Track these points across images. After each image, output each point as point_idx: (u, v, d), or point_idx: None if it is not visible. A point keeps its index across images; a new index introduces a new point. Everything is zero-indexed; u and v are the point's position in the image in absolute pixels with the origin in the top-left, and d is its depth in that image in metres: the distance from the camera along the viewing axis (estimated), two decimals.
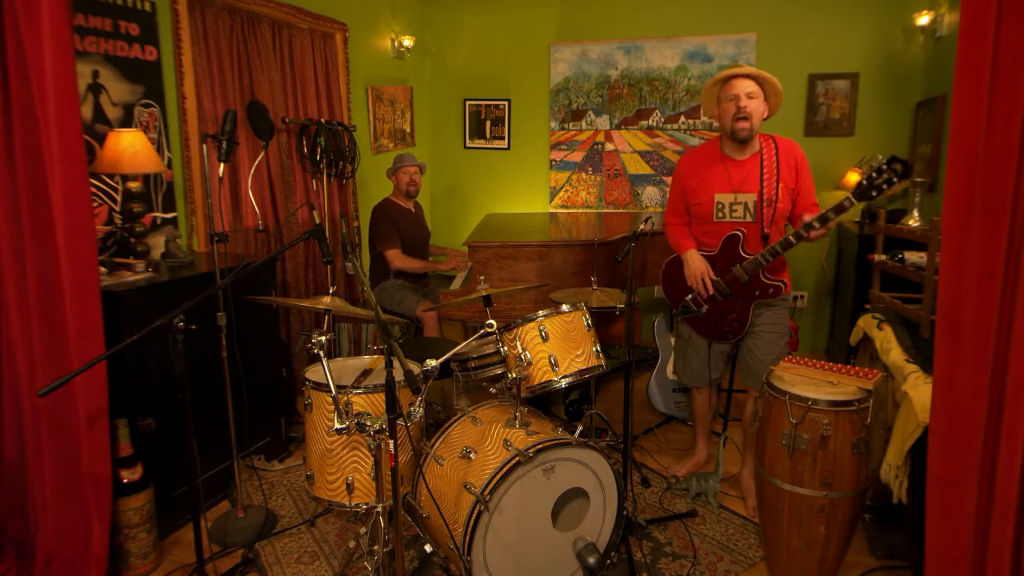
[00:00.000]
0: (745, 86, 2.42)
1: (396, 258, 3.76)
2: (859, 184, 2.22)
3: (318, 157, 3.76)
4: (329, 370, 1.98)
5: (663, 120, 4.81)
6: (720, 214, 2.55)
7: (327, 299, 2.19)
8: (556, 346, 2.26)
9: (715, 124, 4.72)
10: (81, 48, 2.56)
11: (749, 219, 2.50)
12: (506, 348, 2.26)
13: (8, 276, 2.06)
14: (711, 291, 2.57)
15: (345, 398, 2.04)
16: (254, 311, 2.90)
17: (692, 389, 2.96)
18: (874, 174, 2.18)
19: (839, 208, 2.25)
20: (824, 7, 4.37)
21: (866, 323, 2.82)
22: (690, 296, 2.65)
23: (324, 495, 2.12)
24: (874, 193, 2.20)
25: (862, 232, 3.74)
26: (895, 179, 2.16)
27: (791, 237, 2.35)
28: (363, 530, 2.23)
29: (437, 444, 2.24)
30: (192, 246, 3.10)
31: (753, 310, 2.56)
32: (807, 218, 2.35)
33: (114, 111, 2.71)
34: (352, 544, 2.33)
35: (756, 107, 2.42)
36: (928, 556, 1.64)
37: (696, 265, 2.58)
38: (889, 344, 2.48)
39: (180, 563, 2.41)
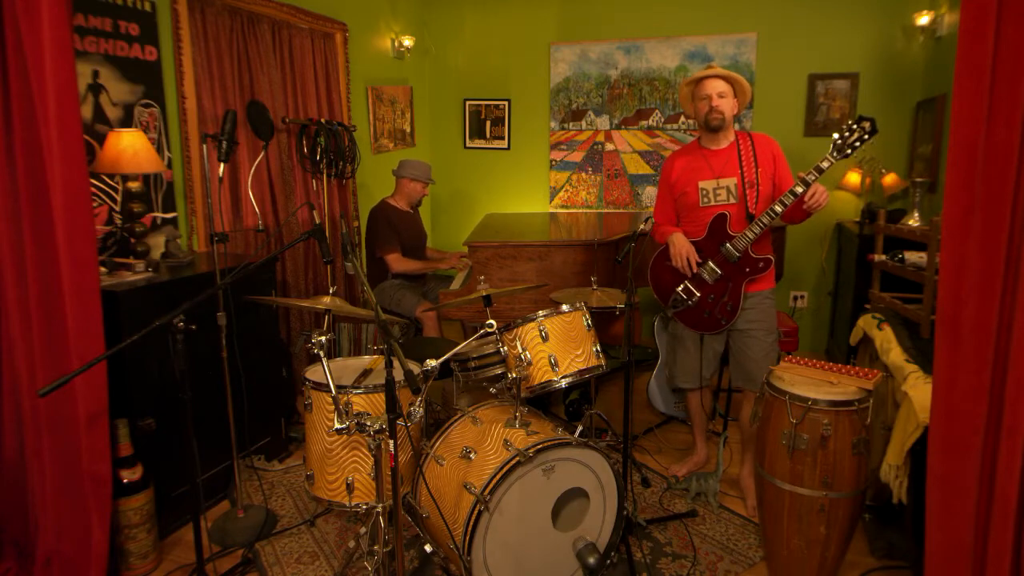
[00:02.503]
0: (716, 86, 2.58)
1: (396, 262, 3.75)
2: (833, 144, 2.38)
3: (318, 157, 3.76)
4: (329, 370, 1.98)
5: (663, 120, 4.82)
6: (705, 199, 2.65)
7: (327, 299, 2.19)
8: (556, 346, 2.26)
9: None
10: (81, 48, 2.56)
11: (733, 201, 2.61)
12: (506, 348, 2.26)
13: (8, 276, 2.06)
14: (695, 270, 2.64)
15: (345, 398, 2.04)
16: (254, 311, 2.90)
17: (686, 392, 2.95)
18: (847, 133, 2.37)
19: (818, 169, 2.36)
20: (824, 7, 4.37)
21: (866, 323, 2.82)
22: (680, 287, 2.69)
23: (324, 495, 2.12)
24: (848, 151, 2.37)
25: (862, 232, 3.74)
26: (866, 135, 2.35)
27: (777, 206, 2.43)
28: (363, 530, 2.23)
29: (437, 444, 2.24)
30: (192, 246, 3.10)
31: (744, 296, 2.61)
32: (796, 182, 2.44)
33: (114, 111, 2.71)
34: (352, 544, 2.32)
35: (726, 104, 2.58)
36: (928, 556, 1.64)
37: (680, 244, 2.65)
38: (889, 344, 2.48)
39: (180, 563, 2.42)
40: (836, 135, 2.37)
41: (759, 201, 2.56)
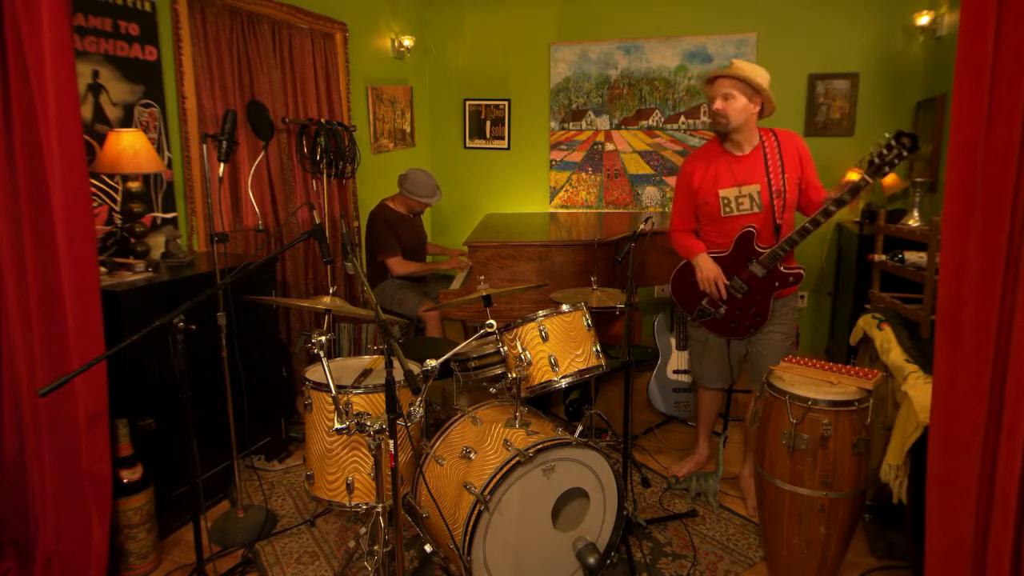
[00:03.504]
0: (720, 88, 2.46)
1: (397, 265, 3.75)
2: (870, 163, 2.21)
3: (318, 157, 3.76)
4: (329, 370, 1.98)
5: (663, 120, 4.82)
6: (727, 208, 2.55)
7: (327, 299, 2.19)
8: (556, 346, 2.26)
9: None
10: (81, 48, 2.56)
11: (756, 210, 2.51)
12: (506, 348, 2.26)
13: (8, 276, 2.06)
14: (724, 295, 2.57)
15: (345, 398, 2.04)
16: (254, 311, 2.90)
17: (701, 389, 2.94)
18: (884, 151, 2.19)
19: (855, 189, 2.24)
20: (824, 7, 4.37)
21: (866, 323, 2.82)
22: (706, 299, 2.64)
23: (324, 495, 2.12)
24: (887, 169, 2.20)
25: (862, 232, 3.74)
26: (905, 153, 2.16)
27: (808, 224, 2.34)
28: (363, 530, 2.23)
29: (437, 444, 2.24)
30: (192, 246, 3.10)
31: (772, 302, 2.56)
32: (825, 200, 2.33)
33: (114, 111, 2.71)
34: (352, 544, 2.33)
35: (732, 106, 2.44)
36: (928, 556, 1.64)
37: (708, 269, 2.57)
38: (889, 344, 2.48)
39: (180, 563, 2.42)
40: (873, 152, 2.19)
41: (786, 209, 2.47)
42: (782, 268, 2.50)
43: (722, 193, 2.55)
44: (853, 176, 4.43)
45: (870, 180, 2.21)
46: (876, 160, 2.20)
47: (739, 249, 2.54)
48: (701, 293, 2.64)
